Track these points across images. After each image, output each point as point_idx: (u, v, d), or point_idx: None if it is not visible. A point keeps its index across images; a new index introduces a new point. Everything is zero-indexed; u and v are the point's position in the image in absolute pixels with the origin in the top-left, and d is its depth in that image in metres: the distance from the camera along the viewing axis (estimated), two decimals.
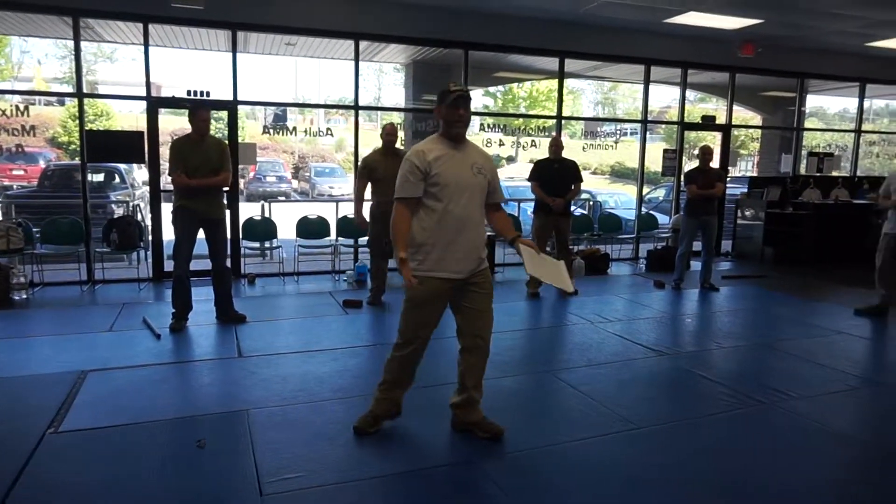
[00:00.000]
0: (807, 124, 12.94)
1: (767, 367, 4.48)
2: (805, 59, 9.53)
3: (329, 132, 8.82)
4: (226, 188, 5.21)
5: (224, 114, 7.23)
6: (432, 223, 2.89)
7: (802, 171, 10.23)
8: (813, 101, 13.04)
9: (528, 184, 6.64)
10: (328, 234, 7.39)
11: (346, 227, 7.42)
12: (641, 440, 3.20)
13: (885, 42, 8.62)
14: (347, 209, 7.67)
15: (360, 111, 7.77)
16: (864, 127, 11.06)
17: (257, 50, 8.64)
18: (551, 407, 3.70)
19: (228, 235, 5.37)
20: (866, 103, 11.02)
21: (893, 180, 5.73)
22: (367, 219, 5.92)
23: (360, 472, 2.81)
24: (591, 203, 11.22)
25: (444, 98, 2.92)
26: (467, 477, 2.80)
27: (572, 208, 7.10)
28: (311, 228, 7.36)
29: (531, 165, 6.78)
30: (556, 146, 6.56)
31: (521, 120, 9.35)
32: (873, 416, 3.77)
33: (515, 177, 12.88)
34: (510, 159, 20.32)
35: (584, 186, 7.06)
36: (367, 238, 6.17)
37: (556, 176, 6.44)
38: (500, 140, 8.64)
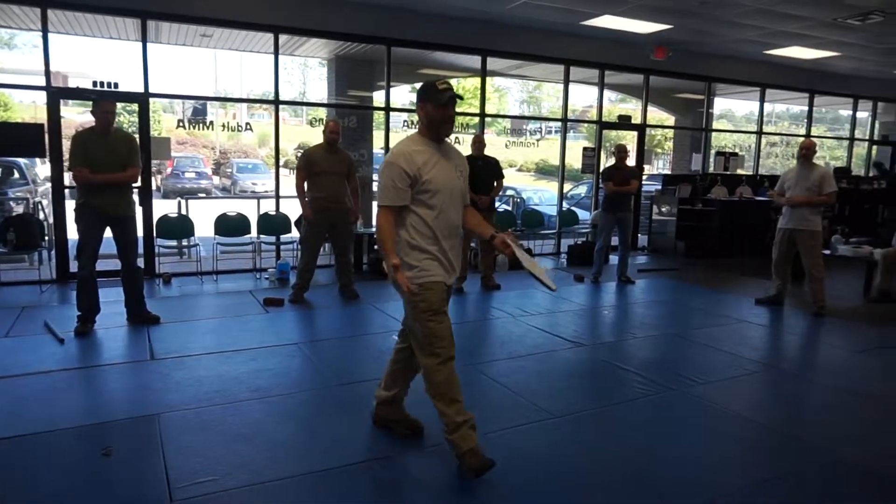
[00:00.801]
0: (716, 126, 13.70)
1: (677, 355, 4.73)
2: (712, 63, 10.07)
3: (249, 127, 8.56)
4: (135, 185, 4.97)
5: (136, 107, 6.89)
6: (427, 230, 2.70)
7: (711, 169, 10.82)
8: (722, 104, 13.81)
9: None
10: (249, 232, 7.19)
11: (267, 223, 7.25)
12: (559, 429, 3.30)
13: (781, 50, 9.24)
14: (269, 206, 7.50)
15: (280, 106, 7.60)
16: (766, 129, 11.82)
17: (171, 40, 8.28)
18: (472, 400, 3.72)
19: (140, 233, 5.13)
20: (768, 107, 11.79)
21: (787, 178, 6.15)
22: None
23: (276, 472, 2.75)
24: (516, 199, 11.46)
25: (432, 96, 2.70)
26: (387, 472, 2.80)
27: (496, 205, 7.23)
28: (230, 226, 7.14)
29: None
30: (479, 144, 6.65)
31: None
32: (769, 398, 4.04)
33: None
34: None
35: (509, 183, 7.20)
36: (290, 235, 6.08)
37: (479, 173, 6.52)
38: None
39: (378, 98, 8.56)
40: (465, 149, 6.92)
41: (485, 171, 6.55)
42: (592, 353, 4.65)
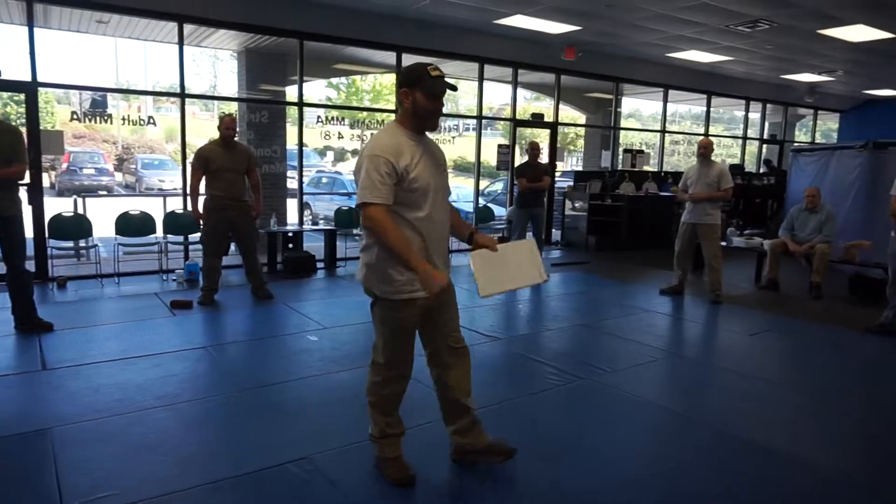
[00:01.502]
0: (624, 124, 14.29)
1: (587, 345, 4.92)
2: (619, 64, 10.51)
3: (152, 121, 8.14)
4: (22, 182, 4.61)
5: (24, 97, 6.38)
6: (414, 235, 2.41)
7: (620, 166, 11.30)
8: (629, 104, 14.44)
9: None
10: (153, 231, 6.84)
11: (174, 222, 6.92)
12: (488, 417, 3.34)
13: (681, 54, 9.76)
14: (176, 204, 7.17)
15: (188, 99, 7.27)
16: (669, 128, 12.46)
17: (62, 25, 7.72)
18: None
19: (27, 234, 4.76)
20: (671, 107, 12.41)
21: (689, 175, 6.52)
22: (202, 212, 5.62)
23: (185, 481, 2.64)
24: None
25: (421, 83, 2.37)
26: (300, 475, 2.75)
27: None
28: (133, 225, 6.76)
29: None
30: None
31: (365, 113, 9.31)
32: (671, 383, 4.28)
33: None
34: (355, 152, 20.19)
35: None
36: (199, 234, 5.83)
37: None
38: (339, 133, 8.54)
39: (291, 93, 8.36)
40: None
41: None
42: (507, 347, 4.75)
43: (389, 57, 8.56)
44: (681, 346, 5.15)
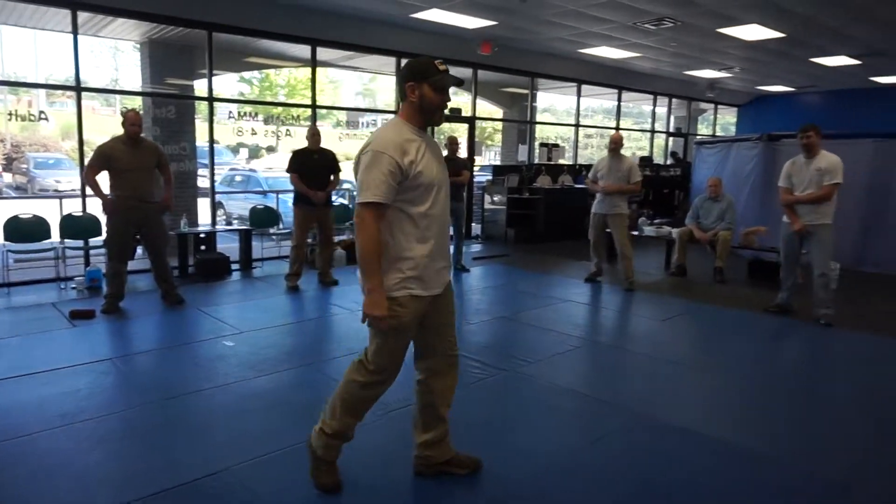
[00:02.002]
0: (539, 118, 14.59)
1: (509, 337, 4.98)
2: (534, 60, 10.71)
3: (43, 116, 7.55)
4: None
5: None
6: (416, 232, 2.35)
7: (536, 160, 11.54)
8: (545, 98, 14.76)
9: (288, 175, 6.44)
10: (48, 236, 6.35)
11: (72, 226, 6.46)
12: (400, 421, 3.31)
13: (593, 50, 10.06)
14: (74, 206, 6.69)
15: (85, 93, 6.79)
16: (583, 122, 12.84)
17: None
18: (312, 401, 3.63)
19: None
20: (584, 102, 12.79)
21: (599, 168, 6.74)
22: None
23: None
24: (353, 193, 11.33)
25: (431, 76, 2.32)
26: (217, 490, 2.62)
27: (333, 199, 7.08)
28: (24, 230, 6.24)
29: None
30: (316, 137, 6.45)
31: (280, 108, 9.03)
32: (591, 371, 4.40)
33: (276, 167, 12.45)
34: (270, 149, 19.61)
35: (345, 176, 7.07)
36: (103, 237, 5.46)
37: (315, 167, 6.35)
38: (253, 129, 8.25)
39: (200, 87, 7.99)
40: (300, 142, 6.70)
41: (321, 165, 6.38)
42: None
43: (304, 50, 8.34)
44: (598, 334, 5.31)
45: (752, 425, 3.42)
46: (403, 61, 9.22)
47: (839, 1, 7.01)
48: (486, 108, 14.53)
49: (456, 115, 10.34)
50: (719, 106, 16.16)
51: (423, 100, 2.35)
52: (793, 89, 14.68)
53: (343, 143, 9.97)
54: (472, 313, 5.69)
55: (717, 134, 16.28)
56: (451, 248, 7.62)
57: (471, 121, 10.42)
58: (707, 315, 5.82)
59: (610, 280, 7.05)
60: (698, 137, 14.35)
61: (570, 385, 3.92)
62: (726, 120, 17.21)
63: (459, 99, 12.22)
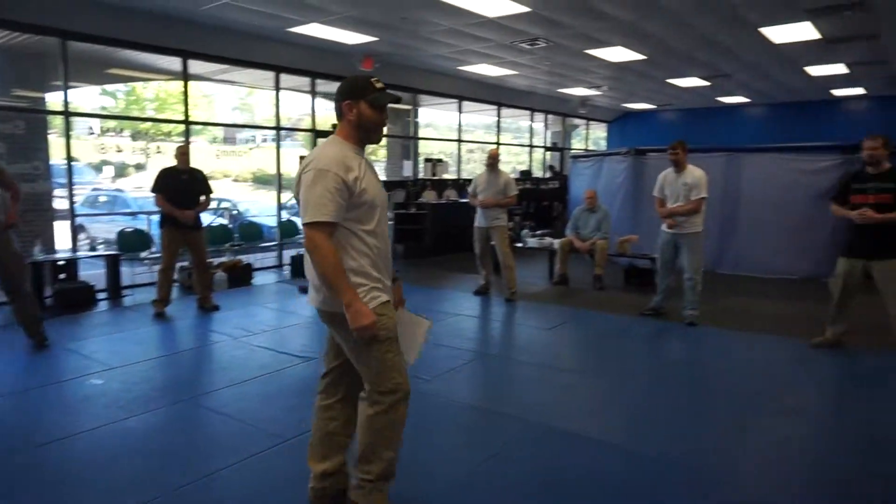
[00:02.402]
0: (423, 134, 14.74)
1: None
2: (416, 76, 10.82)
3: None
4: None
5: None
6: (367, 250, 2.31)
7: (421, 174, 11.63)
8: (428, 114, 14.96)
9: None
10: None
11: None
12: (292, 451, 3.15)
13: (472, 67, 10.34)
14: None
15: None
16: (465, 137, 13.13)
17: None
18: (194, 439, 3.38)
19: None
20: (465, 118, 13.08)
21: (479, 183, 6.90)
22: None
23: None
24: (232, 212, 10.84)
25: (367, 94, 2.31)
26: None
27: (211, 219, 6.70)
28: None
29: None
30: (185, 156, 6.08)
31: (149, 124, 8.42)
32: (486, 384, 4.45)
33: (145, 186, 11.62)
34: (139, 167, 18.28)
35: (223, 195, 6.72)
36: None
37: (184, 187, 5.98)
38: (118, 146, 7.64)
39: (54, 100, 7.28)
40: (172, 159, 6.28)
41: (190, 186, 6.02)
42: (321, 367, 4.56)
43: (175, 63, 7.87)
44: (490, 346, 5.40)
45: (640, 425, 3.59)
46: (283, 76, 8.98)
47: (689, 29, 7.70)
48: None
49: None
50: (590, 122, 17.19)
51: (361, 118, 2.33)
52: (654, 107, 15.93)
53: (221, 161, 9.53)
54: None
55: (590, 148, 17.30)
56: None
57: None
58: (590, 321, 6.10)
59: (498, 292, 7.21)
60: (573, 152, 15.18)
61: (466, 400, 3.94)
62: (597, 135, 18.34)
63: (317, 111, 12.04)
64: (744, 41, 8.38)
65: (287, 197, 9.35)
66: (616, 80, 11.71)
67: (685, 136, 6.77)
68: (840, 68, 10.24)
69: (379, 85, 2.35)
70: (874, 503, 2.78)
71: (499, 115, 13.47)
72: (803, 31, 7.76)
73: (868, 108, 13.75)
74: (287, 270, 8.71)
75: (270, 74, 8.95)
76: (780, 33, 7.88)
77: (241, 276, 7.83)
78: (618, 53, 9.09)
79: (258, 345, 5.05)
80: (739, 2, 6.61)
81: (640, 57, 9.32)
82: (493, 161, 6.82)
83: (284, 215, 9.44)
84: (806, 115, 14.18)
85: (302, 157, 9.40)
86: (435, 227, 10.20)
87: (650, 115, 16.76)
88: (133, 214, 9.46)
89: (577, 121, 16.96)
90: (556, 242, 8.14)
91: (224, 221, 9.33)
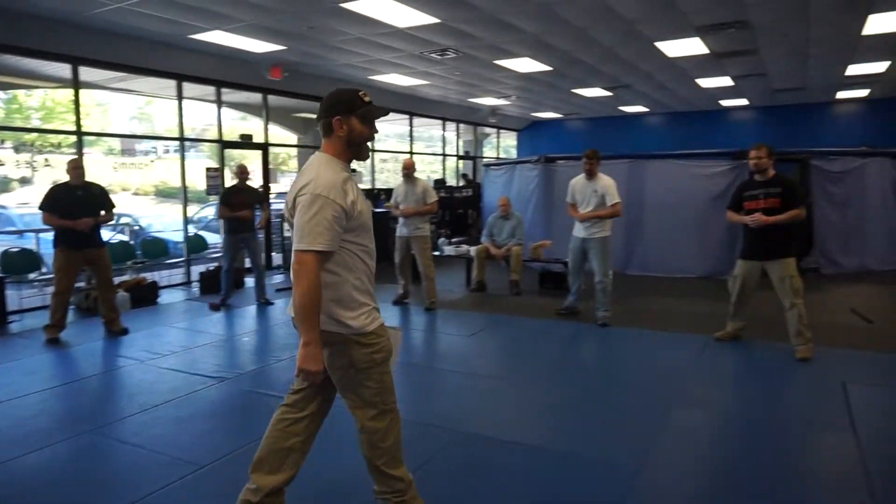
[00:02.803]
0: None
1: None
2: (326, 85, 10.57)
3: None
4: None
5: None
6: (366, 270, 2.32)
7: None
8: None
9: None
10: None
11: None
12: (205, 479, 3.00)
13: (383, 77, 10.32)
14: None
15: None
16: (378, 147, 13.08)
17: None
18: (102, 473, 3.14)
19: None
20: (378, 127, 13.05)
21: (398, 193, 6.89)
22: None
23: None
24: (133, 227, 10.25)
25: (357, 109, 2.25)
26: None
27: (110, 235, 6.28)
28: None
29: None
30: (78, 170, 5.65)
31: (34, 135, 7.78)
32: (409, 393, 4.38)
33: (32, 202, 10.75)
34: (25, 181, 16.87)
35: (124, 210, 6.31)
36: None
37: (80, 204, 5.55)
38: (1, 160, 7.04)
39: None
40: (62, 171, 5.84)
41: (86, 202, 5.60)
42: (236, 386, 4.38)
43: (63, 69, 7.35)
44: (411, 356, 5.36)
45: (559, 426, 3.69)
46: (186, 85, 8.60)
47: (592, 42, 8.06)
48: (280, 133, 14.15)
49: (247, 142, 9.88)
50: (501, 130, 17.59)
51: (351, 133, 2.27)
52: (561, 116, 16.53)
53: (119, 174, 8.98)
54: (278, 349, 5.41)
55: (501, 156, 17.69)
56: (252, 282, 7.21)
57: (264, 147, 10.03)
58: (508, 326, 6.21)
59: (418, 301, 7.20)
60: (485, 160, 15.46)
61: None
62: (508, 143, 18.79)
63: (250, 125, 11.78)
64: (641, 54, 8.87)
65: (194, 210, 8.94)
66: (525, 90, 12.06)
67: (591, 143, 7.08)
68: (726, 80, 11.04)
69: (367, 98, 2.31)
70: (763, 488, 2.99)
71: (411, 125, 13.51)
72: (693, 46, 8.31)
73: (751, 117, 14.93)
74: (196, 287, 8.32)
75: (172, 83, 8.55)
76: (674, 48, 8.40)
77: (145, 296, 7.41)
78: (525, 64, 9.36)
79: (168, 367, 4.78)
80: (635, 18, 6.99)
81: (546, 68, 9.64)
82: (408, 171, 6.83)
83: (192, 229, 9.01)
84: (699, 123, 15.21)
85: (208, 169, 9.06)
86: None
87: (558, 123, 17.37)
88: (19, 233, 8.72)
89: (488, 129, 17.31)
90: (473, 250, 8.25)
91: (124, 237, 8.79)
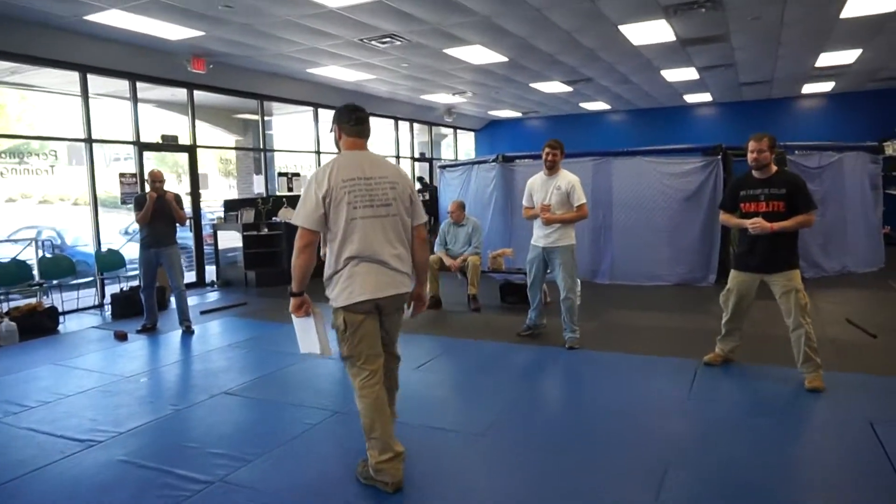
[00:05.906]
0: (279, 146, 13.50)
1: (229, 424, 3.81)
2: (261, 80, 9.63)
3: None
4: None
5: None
6: None
7: (277, 191, 10.43)
8: (282, 123, 13.73)
9: None
10: None
11: None
12: None
13: (323, 70, 9.34)
14: None
15: None
16: (322, 148, 12.06)
17: None
18: None
19: None
20: (323, 127, 12.03)
21: None
22: None
23: None
24: (56, 243, 9.08)
25: (341, 118, 2.93)
26: None
27: (20, 251, 5.18)
28: None
29: None
30: None
31: None
32: (341, 449, 3.47)
33: None
34: None
35: (49, 223, 5.22)
36: None
37: None
38: None
39: None
40: None
41: None
42: (105, 454, 3.34)
43: None
44: (348, 399, 4.41)
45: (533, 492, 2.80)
46: (91, 77, 7.48)
47: (550, 26, 7.24)
48: (218, 135, 13.00)
49: (170, 143, 8.76)
50: (458, 130, 16.74)
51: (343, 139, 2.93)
52: (519, 115, 15.77)
53: (13, 181, 7.79)
54: (182, 392, 4.40)
55: (459, 157, 16.83)
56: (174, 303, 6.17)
57: (190, 149, 8.93)
58: (464, 353, 5.29)
59: None
60: (441, 161, 14.57)
61: (312, 477, 2.94)
62: (466, 145, 17.95)
63: (176, 125, 10.60)
64: (603, 41, 8.12)
65: (126, 221, 7.79)
66: (480, 84, 11.22)
67: None
68: (692, 73, 10.42)
69: (349, 108, 2.97)
70: None
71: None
72: (660, 31, 7.60)
73: (715, 113, 14.42)
74: (108, 311, 7.20)
75: (76, 76, 7.41)
76: (639, 32, 7.66)
77: (39, 324, 6.29)
78: (479, 54, 8.51)
79: (26, 427, 3.73)
80: None
81: (501, 58, 8.82)
82: None
83: (123, 243, 7.86)
84: (662, 121, 14.62)
85: (122, 175, 7.89)
86: (291, 250, 9.02)
87: (517, 122, 16.63)
88: None
89: (444, 130, 16.46)
90: None
91: (46, 254, 7.62)
